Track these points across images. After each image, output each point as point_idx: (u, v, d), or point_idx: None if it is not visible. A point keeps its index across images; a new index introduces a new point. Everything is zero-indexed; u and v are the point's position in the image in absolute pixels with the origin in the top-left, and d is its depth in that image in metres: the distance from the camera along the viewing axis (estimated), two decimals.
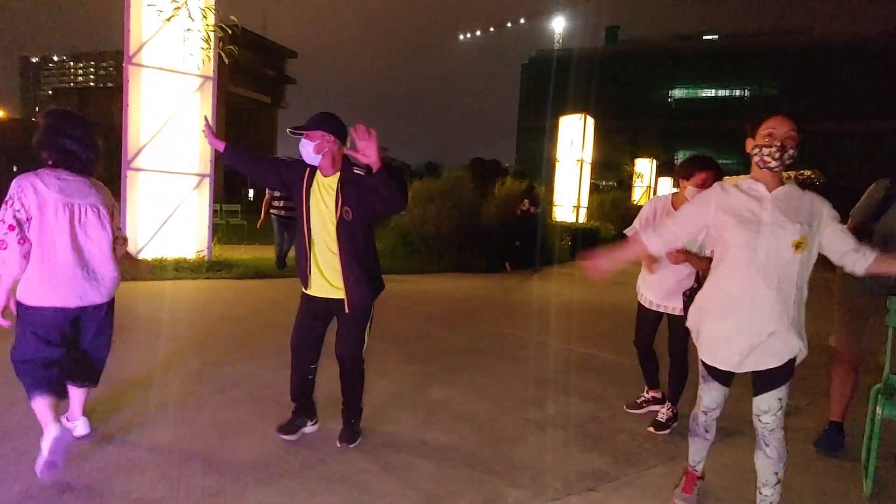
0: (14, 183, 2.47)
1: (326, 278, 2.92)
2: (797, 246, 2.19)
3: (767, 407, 2.30)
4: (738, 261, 2.27)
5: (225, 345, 4.73)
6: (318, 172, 2.91)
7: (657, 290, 3.55)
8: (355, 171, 2.89)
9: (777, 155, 2.20)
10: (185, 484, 2.52)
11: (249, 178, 3.26)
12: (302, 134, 2.82)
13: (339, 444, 3.00)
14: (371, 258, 2.98)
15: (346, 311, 2.91)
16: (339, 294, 2.91)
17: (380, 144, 2.56)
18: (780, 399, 2.29)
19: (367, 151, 2.52)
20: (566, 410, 3.78)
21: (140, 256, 8.06)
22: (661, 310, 3.57)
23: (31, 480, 2.43)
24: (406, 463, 2.87)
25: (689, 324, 2.55)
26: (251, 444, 2.96)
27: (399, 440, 3.15)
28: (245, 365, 4.20)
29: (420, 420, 3.45)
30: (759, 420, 2.33)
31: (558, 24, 66.69)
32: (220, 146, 3.01)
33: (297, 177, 2.94)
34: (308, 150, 2.83)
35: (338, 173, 2.88)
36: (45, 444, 2.39)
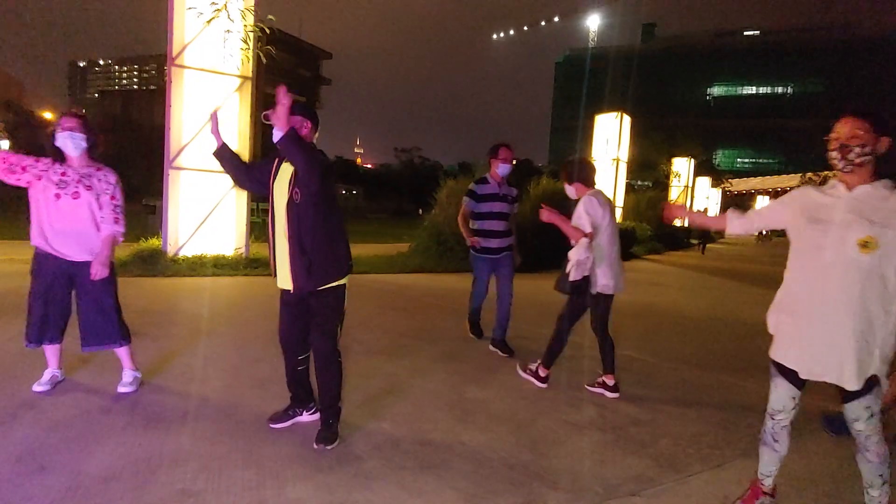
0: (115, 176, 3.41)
1: (286, 268, 2.86)
2: (864, 245, 2.04)
3: (857, 416, 2.20)
4: (807, 261, 2.21)
5: (263, 340, 4.79)
6: (284, 161, 2.88)
7: None
8: None
9: (838, 156, 2.14)
10: (226, 476, 2.54)
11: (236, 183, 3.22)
12: None
13: (315, 446, 2.89)
14: (319, 247, 2.82)
15: (292, 293, 2.89)
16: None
17: (291, 112, 2.56)
18: (868, 407, 2.17)
19: (277, 113, 2.46)
20: (605, 413, 3.70)
21: (181, 254, 8.27)
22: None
23: (79, 469, 2.49)
24: (444, 462, 2.84)
25: (768, 320, 2.41)
26: (289, 438, 2.98)
27: (436, 439, 3.12)
28: (282, 361, 4.22)
29: (457, 419, 3.42)
30: (853, 427, 2.24)
31: (593, 22, 65.84)
32: (219, 142, 3.00)
33: (267, 169, 2.93)
34: None
35: None
36: None
